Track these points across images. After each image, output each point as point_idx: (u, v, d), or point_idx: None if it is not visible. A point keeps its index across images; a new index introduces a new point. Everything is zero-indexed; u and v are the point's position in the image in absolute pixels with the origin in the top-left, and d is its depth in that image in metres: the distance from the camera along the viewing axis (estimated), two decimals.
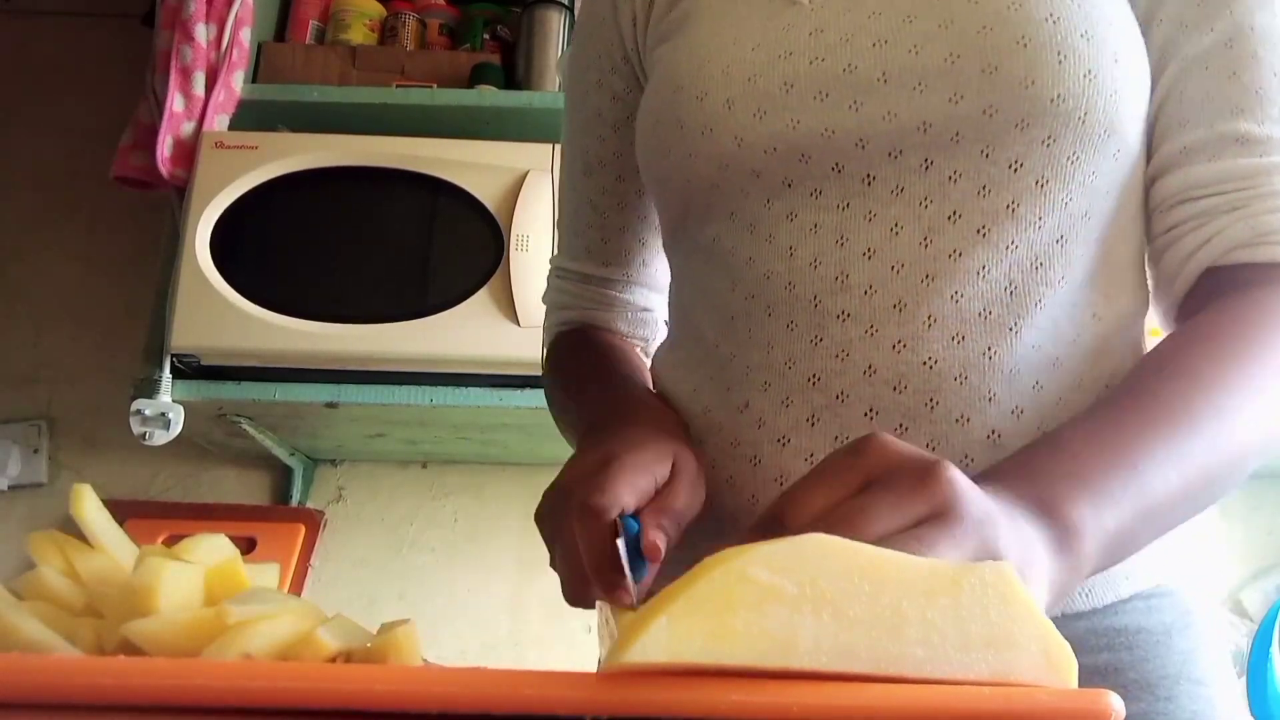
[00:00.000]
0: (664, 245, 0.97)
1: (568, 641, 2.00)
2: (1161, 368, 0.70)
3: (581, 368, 0.98)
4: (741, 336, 0.81)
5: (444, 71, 2.08)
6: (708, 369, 0.84)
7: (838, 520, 0.51)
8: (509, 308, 1.75)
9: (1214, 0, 0.77)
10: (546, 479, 0.74)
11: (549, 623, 2.02)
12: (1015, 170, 0.75)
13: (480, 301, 1.77)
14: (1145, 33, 0.80)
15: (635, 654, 0.40)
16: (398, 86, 2.03)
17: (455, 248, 1.82)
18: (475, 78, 2.05)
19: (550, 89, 2.06)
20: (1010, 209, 0.75)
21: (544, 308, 1.07)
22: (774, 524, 0.53)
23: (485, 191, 1.82)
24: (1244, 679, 1.89)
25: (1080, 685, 0.44)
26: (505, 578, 2.11)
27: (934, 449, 0.73)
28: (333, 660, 0.46)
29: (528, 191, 1.81)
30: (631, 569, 0.67)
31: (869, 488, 0.53)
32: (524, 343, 1.74)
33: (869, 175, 0.77)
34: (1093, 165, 0.75)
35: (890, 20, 0.78)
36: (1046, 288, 0.75)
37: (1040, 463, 0.62)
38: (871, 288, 0.75)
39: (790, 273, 0.78)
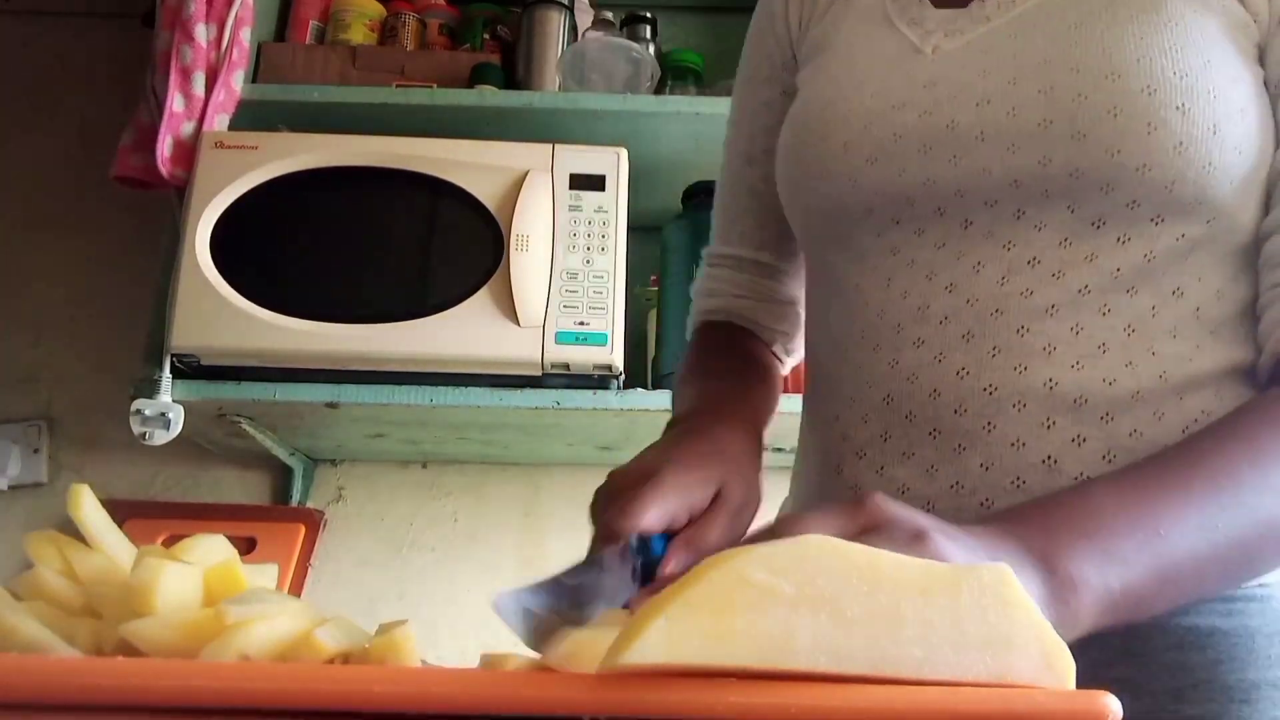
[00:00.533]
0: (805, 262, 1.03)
1: None
2: (1217, 431, 0.72)
3: (703, 363, 1.04)
4: (839, 355, 0.89)
5: (444, 71, 2.07)
6: (813, 383, 0.92)
7: None
8: (509, 308, 1.75)
9: None
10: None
11: None
12: (1098, 227, 0.79)
13: (480, 301, 1.76)
14: (1275, 95, 0.81)
15: (634, 655, 0.40)
16: (398, 86, 2.03)
17: (455, 248, 1.81)
18: (475, 78, 2.05)
19: (550, 89, 2.06)
20: (1089, 259, 0.79)
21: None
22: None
23: (485, 191, 1.82)
24: None
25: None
26: (505, 578, 2.11)
27: (987, 469, 0.77)
28: (331, 662, 0.46)
29: (528, 191, 1.81)
30: (641, 580, 0.69)
31: (863, 536, 0.55)
32: (524, 343, 1.74)
33: (967, 220, 0.83)
34: (1179, 229, 0.79)
35: (996, 81, 0.82)
36: (1112, 334, 0.78)
37: (1056, 515, 0.64)
38: (946, 318, 0.81)
39: (884, 302, 0.85)
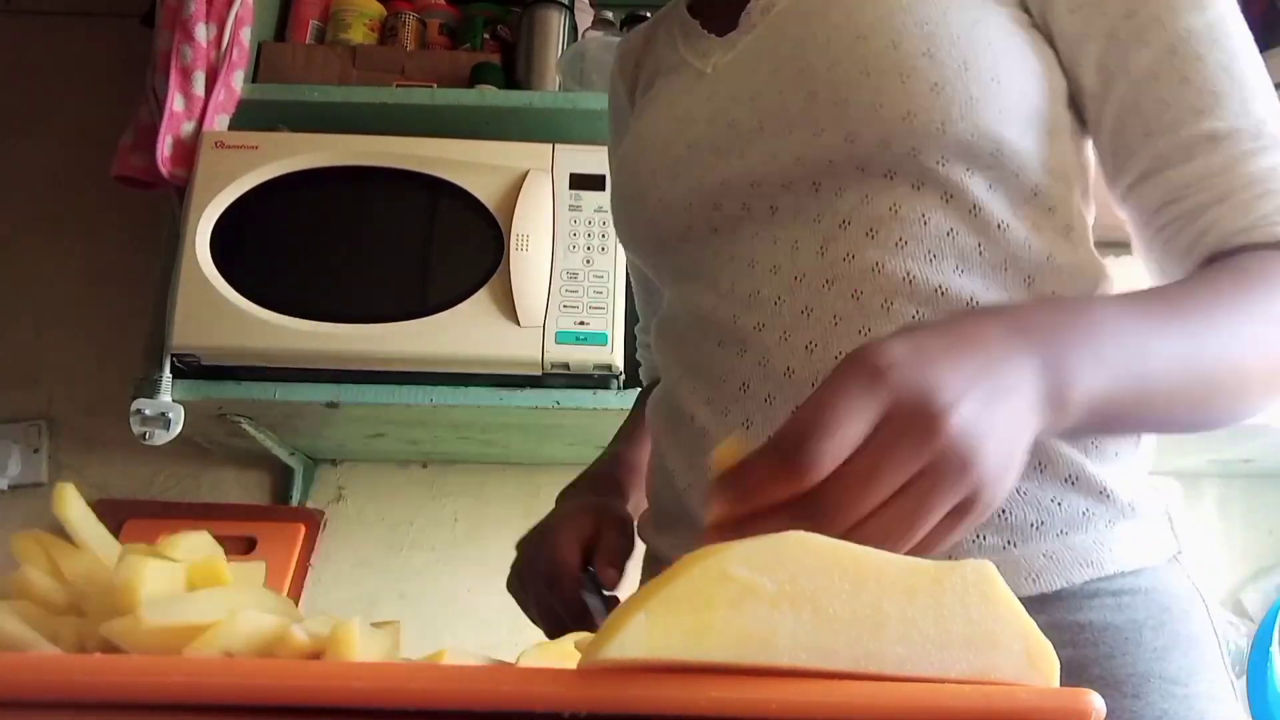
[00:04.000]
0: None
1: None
2: (1189, 280, 0.75)
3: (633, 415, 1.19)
4: (686, 362, 0.91)
5: (444, 71, 2.08)
6: (667, 397, 0.95)
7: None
8: (509, 308, 1.75)
9: (1143, 14, 0.81)
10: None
11: None
12: (890, 179, 0.82)
13: (480, 301, 1.76)
14: (1077, 48, 0.84)
15: (614, 650, 0.40)
16: (398, 86, 2.03)
17: (455, 248, 1.81)
18: (475, 78, 2.05)
19: (550, 89, 2.06)
20: (893, 211, 0.82)
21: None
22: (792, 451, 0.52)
23: (485, 191, 1.82)
24: (1244, 679, 1.89)
25: None
26: (505, 578, 2.11)
27: None
28: (314, 657, 0.45)
29: (528, 191, 1.81)
30: (596, 607, 0.90)
31: (882, 432, 0.52)
32: (524, 343, 1.74)
33: (772, 207, 0.86)
34: (965, 165, 0.81)
35: (762, 74, 0.88)
36: (944, 276, 0.80)
37: (1060, 319, 0.63)
38: (780, 299, 0.83)
39: (716, 300, 0.88)
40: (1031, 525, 0.78)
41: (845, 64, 0.82)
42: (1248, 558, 2.13)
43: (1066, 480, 0.79)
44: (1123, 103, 0.82)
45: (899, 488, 0.52)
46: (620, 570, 0.95)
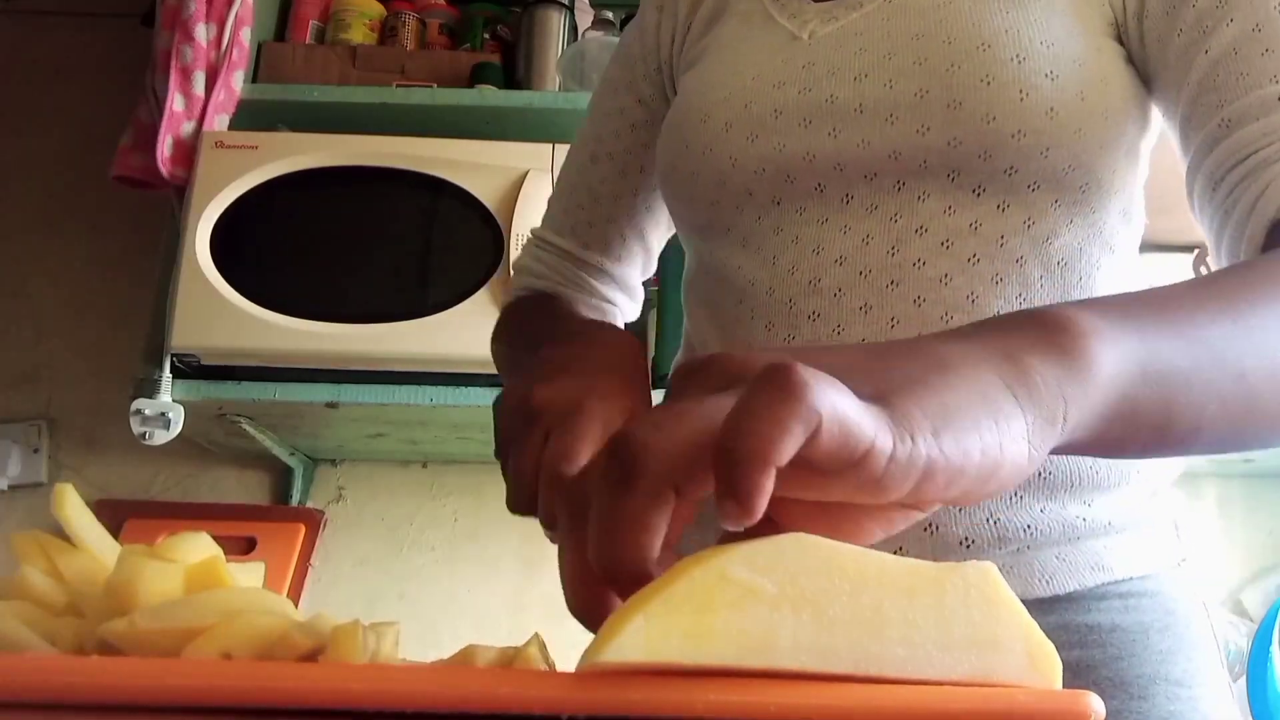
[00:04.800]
0: (684, 276, 1.01)
1: (569, 641, 1.99)
2: (1214, 275, 0.62)
3: (545, 315, 1.00)
4: (729, 337, 0.88)
5: (444, 71, 2.08)
6: None
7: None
8: None
9: (1229, 2, 0.78)
10: None
11: (550, 623, 2.00)
12: (978, 194, 0.81)
13: (480, 301, 1.76)
14: (1161, 50, 0.81)
15: (612, 653, 0.39)
16: (398, 86, 2.04)
17: (455, 248, 1.82)
18: (475, 78, 2.05)
19: (550, 89, 2.06)
20: (973, 227, 0.81)
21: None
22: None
23: (485, 191, 1.82)
24: (1244, 679, 1.89)
25: None
26: (506, 577, 2.11)
27: None
28: (308, 659, 0.45)
29: (528, 191, 1.81)
30: None
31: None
32: None
33: (848, 195, 0.83)
34: (1054, 195, 0.81)
35: (872, 57, 0.85)
36: (1004, 302, 0.80)
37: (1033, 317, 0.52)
38: (840, 291, 0.81)
39: (771, 279, 0.85)
40: (1047, 532, 0.78)
41: (966, 68, 0.80)
42: (1248, 558, 2.13)
43: (1084, 501, 0.80)
44: (1200, 81, 0.78)
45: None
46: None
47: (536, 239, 1.09)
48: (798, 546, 0.44)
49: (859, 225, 0.82)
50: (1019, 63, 0.79)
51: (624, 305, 1.09)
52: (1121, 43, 0.84)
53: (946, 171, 0.81)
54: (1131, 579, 0.79)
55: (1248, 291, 0.58)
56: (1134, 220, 0.87)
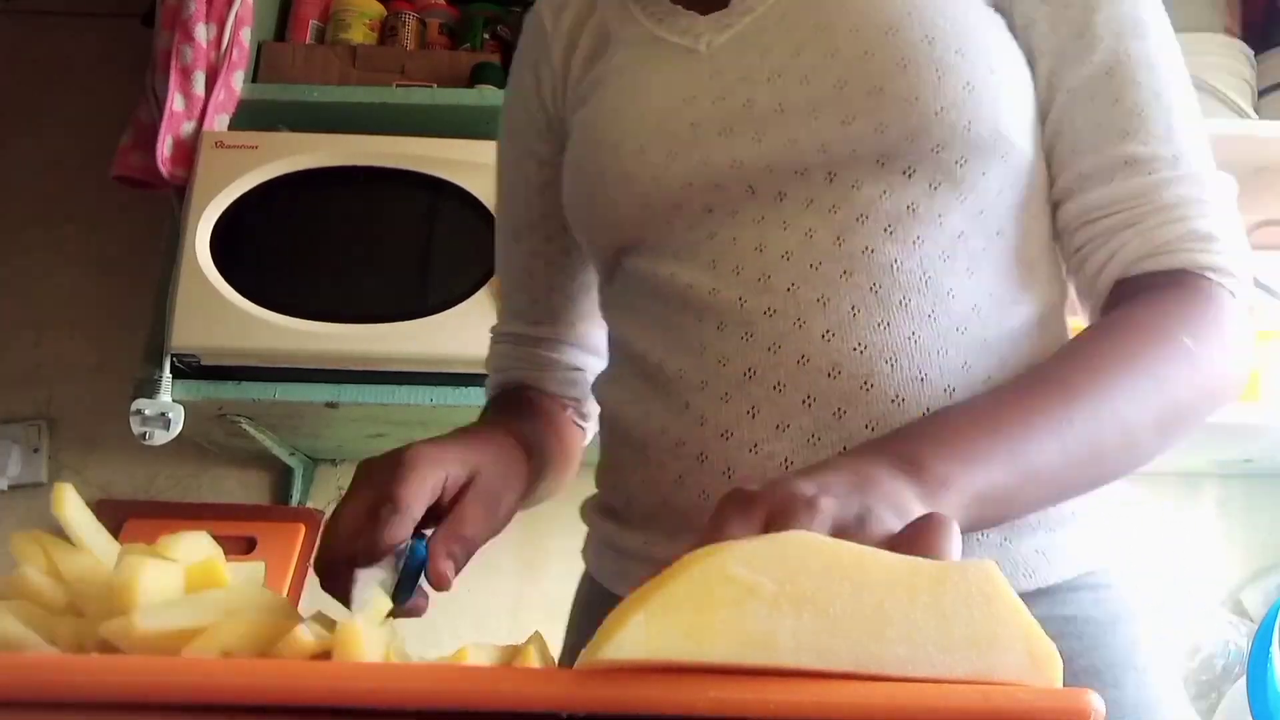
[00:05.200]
0: (599, 290, 1.03)
1: None
2: (1060, 354, 0.78)
3: (490, 415, 1.04)
4: (673, 345, 0.86)
5: (444, 71, 2.07)
6: (644, 381, 0.89)
7: None
8: None
9: (1090, 33, 0.84)
10: None
11: (550, 622, 2.00)
12: (909, 175, 0.82)
13: (480, 301, 1.76)
14: (1031, 65, 0.86)
15: (612, 650, 0.39)
16: (398, 86, 2.03)
17: (455, 248, 1.81)
18: (475, 77, 2.04)
19: None
20: (910, 209, 0.82)
21: None
22: None
23: (485, 191, 1.82)
24: (1244, 679, 1.88)
25: None
26: (505, 578, 2.11)
27: (873, 429, 0.78)
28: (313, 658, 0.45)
29: None
30: (403, 589, 0.74)
31: (773, 523, 0.55)
32: None
33: (780, 193, 0.84)
34: (981, 167, 0.82)
35: (780, 55, 0.86)
36: (955, 278, 0.81)
37: (915, 431, 0.70)
38: (794, 285, 0.81)
39: (714, 280, 0.84)
40: (1021, 524, 0.80)
41: (880, 55, 0.81)
42: (1248, 558, 2.12)
43: None
44: (1059, 119, 0.85)
45: None
46: (460, 565, 0.80)
47: (493, 334, 1.12)
48: (798, 545, 0.44)
49: (798, 220, 0.83)
50: (929, 43, 0.81)
51: (594, 366, 1.07)
52: (999, 11, 0.87)
53: (875, 157, 0.81)
54: (1094, 571, 0.82)
55: (1083, 365, 0.74)
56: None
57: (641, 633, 0.40)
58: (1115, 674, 0.80)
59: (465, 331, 1.74)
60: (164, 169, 1.84)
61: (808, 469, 0.62)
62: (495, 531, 0.85)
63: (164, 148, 1.85)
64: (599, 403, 0.96)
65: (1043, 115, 0.86)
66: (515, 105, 1.08)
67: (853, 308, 0.80)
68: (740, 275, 0.83)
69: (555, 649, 0.53)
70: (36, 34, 2.39)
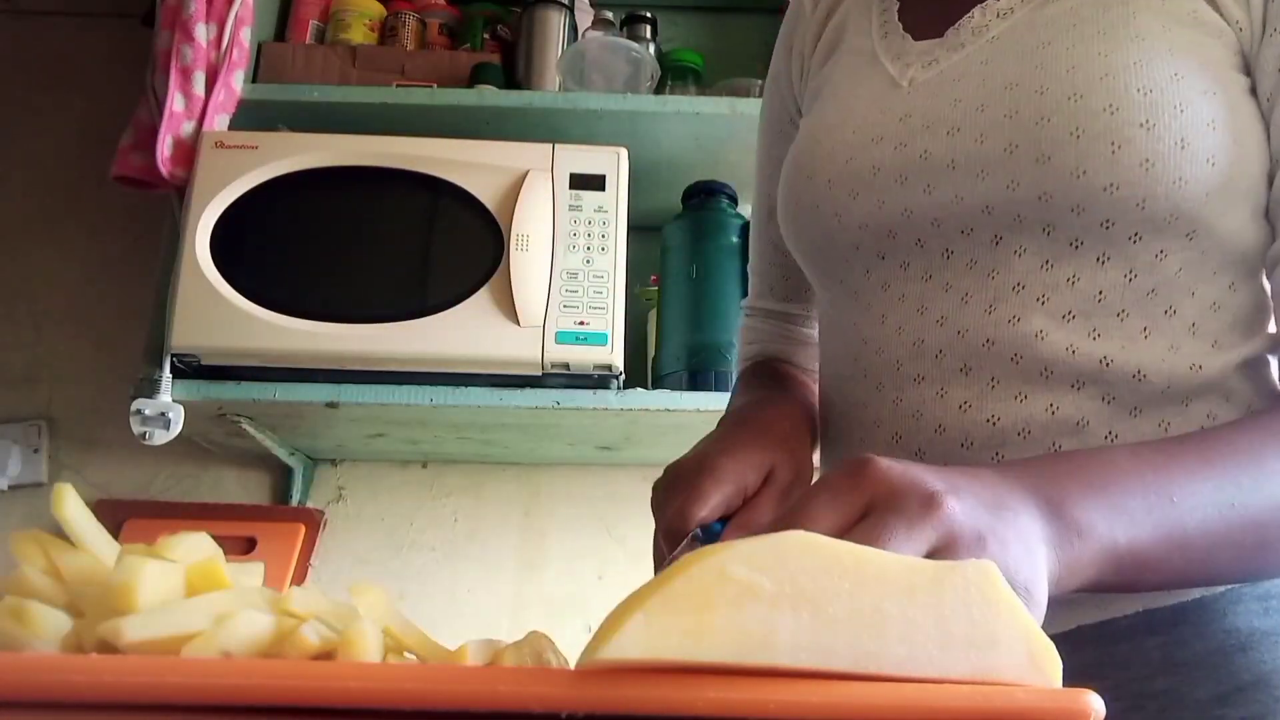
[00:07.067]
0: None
1: (569, 641, 1.98)
2: (1238, 422, 0.73)
3: (750, 383, 1.07)
4: (846, 394, 0.90)
5: (444, 71, 2.07)
6: (825, 421, 0.93)
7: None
8: (509, 308, 1.75)
9: None
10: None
11: (550, 622, 2.02)
12: (1076, 248, 0.79)
13: (480, 301, 1.76)
14: (1270, 111, 0.80)
15: (611, 650, 0.39)
16: (398, 86, 2.03)
17: (455, 248, 1.81)
18: (475, 78, 2.05)
19: (550, 89, 2.06)
20: (1070, 282, 0.79)
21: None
22: None
23: (485, 191, 1.82)
24: None
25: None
26: (505, 577, 2.11)
27: None
28: (316, 658, 0.45)
29: (528, 191, 1.81)
30: None
31: (873, 512, 0.54)
32: (524, 343, 1.74)
33: (948, 250, 0.84)
34: (1159, 246, 0.78)
35: (965, 109, 0.84)
36: (1108, 348, 0.78)
37: (1067, 467, 0.65)
38: (941, 352, 0.82)
39: (881, 339, 0.86)
40: None
41: (1055, 121, 0.78)
42: None
43: None
44: None
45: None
46: None
47: (744, 308, 1.15)
48: (797, 545, 0.44)
49: (959, 282, 0.82)
50: (1111, 113, 0.77)
51: None
52: (1248, 74, 0.81)
53: (1041, 226, 0.79)
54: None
55: (1255, 440, 0.69)
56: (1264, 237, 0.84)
57: (640, 633, 0.40)
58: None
59: (465, 331, 1.74)
60: (164, 169, 1.84)
61: (945, 469, 0.59)
62: None
63: (164, 148, 1.85)
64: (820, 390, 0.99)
65: (1274, 162, 0.80)
66: (772, 85, 1.11)
67: (992, 379, 0.80)
68: (900, 336, 0.85)
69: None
70: (37, 34, 2.39)
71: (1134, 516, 0.62)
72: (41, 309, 2.24)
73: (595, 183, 1.84)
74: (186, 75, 1.89)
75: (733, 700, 0.40)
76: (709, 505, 0.74)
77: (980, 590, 0.45)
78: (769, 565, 0.42)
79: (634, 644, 0.40)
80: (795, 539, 0.43)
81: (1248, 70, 0.81)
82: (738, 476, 0.77)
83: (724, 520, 0.77)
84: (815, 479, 0.85)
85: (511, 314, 1.74)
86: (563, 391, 1.78)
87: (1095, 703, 0.42)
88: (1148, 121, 0.76)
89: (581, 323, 1.75)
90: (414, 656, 0.52)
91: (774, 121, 1.11)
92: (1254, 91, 0.81)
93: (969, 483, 0.57)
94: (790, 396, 0.98)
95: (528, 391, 1.78)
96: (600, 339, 1.74)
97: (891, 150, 0.86)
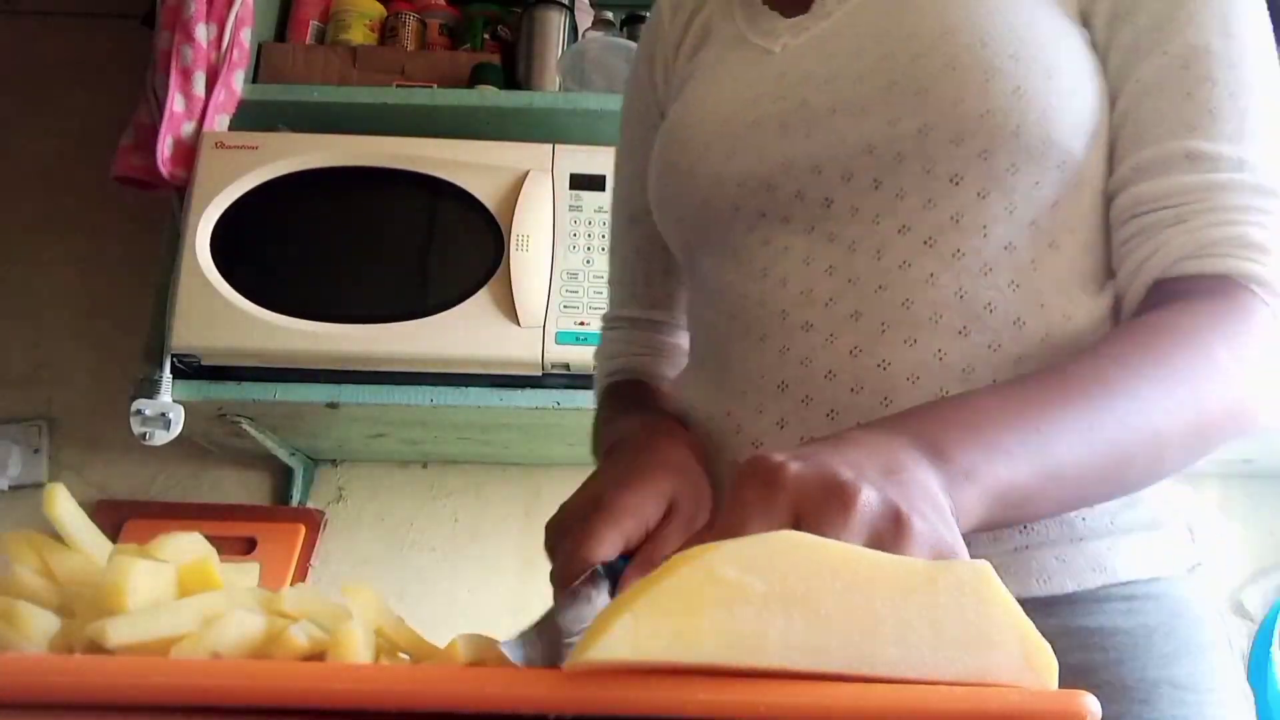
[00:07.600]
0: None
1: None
2: (1089, 352, 0.73)
3: (618, 406, 1.03)
4: (725, 352, 0.88)
5: (444, 71, 2.07)
6: (703, 385, 0.91)
7: None
8: (509, 308, 1.75)
9: (1169, 25, 0.80)
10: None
11: None
12: (956, 184, 0.80)
13: (480, 301, 1.76)
14: (1103, 59, 0.83)
15: (600, 651, 0.39)
16: (398, 86, 2.03)
17: (455, 248, 1.81)
18: (475, 78, 2.05)
19: (550, 89, 2.06)
20: (954, 220, 0.80)
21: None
22: None
23: (485, 191, 1.82)
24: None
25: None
26: (506, 578, 2.11)
27: None
28: (306, 659, 0.45)
29: (528, 191, 1.81)
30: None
31: (803, 525, 0.52)
32: (524, 343, 1.74)
33: (827, 199, 0.84)
34: (1034, 176, 0.80)
35: (841, 59, 0.86)
36: (996, 292, 0.79)
37: (942, 412, 0.66)
38: (832, 300, 0.81)
39: (763, 292, 0.85)
40: (1044, 532, 0.77)
41: (930, 56, 0.80)
42: (1248, 558, 2.12)
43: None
44: (1125, 111, 0.81)
45: None
46: None
47: (605, 320, 1.12)
48: (788, 545, 0.43)
49: (844, 231, 0.83)
50: (982, 46, 0.79)
51: None
52: (1083, 25, 0.84)
53: (921, 163, 0.80)
54: (1135, 581, 0.78)
55: (1114, 368, 0.70)
56: None
57: (630, 634, 0.39)
58: (1145, 689, 0.75)
59: (465, 331, 1.74)
60: (164, 169, 1.84)
61: (829, 440, 0.59)
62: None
63: (164, 148, 1.85)
64: (678, 398, 0.97)
65: (1111, 102, 0.83)
66: (632, 94, 1.12)
67: (883, 324, 0.79)
68: (786, 288, 0.84)
69: None
70: (37, 34, 2.39)
71: (1010, 453, 0.62)
72: (41, 309, 2.24)
73: (595, 183, 1.84)
74: (187, 75, 1.90)
75: (723, 701, 0.40)
76: (604, 544, 0.70)
77: (974, 591, 0.45)
78: (759, 566, 0.42)
79: (622, 645, 0.39)
80: (786, 539, 0.43)
81: (1087, 24, 0.84)
82: (637, 511, 0.73)
83: (626, 557, 0.72)
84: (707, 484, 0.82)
85: (512, 314, 1.74)
86: (563, 392, 1.78)
87: (1091, 704, 0.41)
88: (1016, 54, 0.79)
89: (582, 323, 1.75)
90: (407, 657, 0.52)
91: (636, 125, 1.10)
92: (1092, 44, 0.84)
93: (862, 455, 0.57)
94: (672, 420, 0.92)
95: (528, 392, 1.78)
96: (600, 339, 1.74)
97: (770, 104, 0.87)
